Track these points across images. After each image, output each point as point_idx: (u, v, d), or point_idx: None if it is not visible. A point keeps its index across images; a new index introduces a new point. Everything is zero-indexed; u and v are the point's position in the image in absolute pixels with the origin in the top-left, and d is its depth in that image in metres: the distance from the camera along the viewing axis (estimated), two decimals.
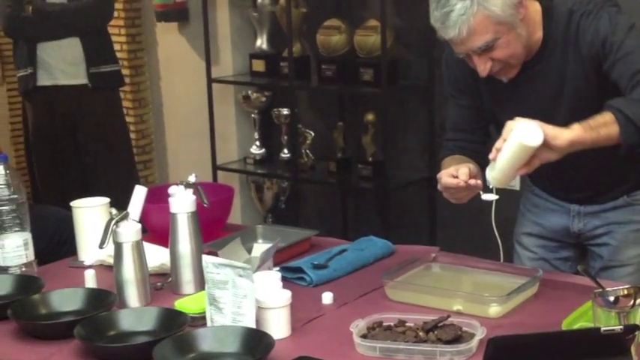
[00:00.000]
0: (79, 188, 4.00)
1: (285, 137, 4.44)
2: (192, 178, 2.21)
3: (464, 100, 2.33)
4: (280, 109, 4.40)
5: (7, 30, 4.24)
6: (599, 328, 1.60)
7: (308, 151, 4.33)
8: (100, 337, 1.89)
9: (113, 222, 2.08)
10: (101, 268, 2.35)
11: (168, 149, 5.09)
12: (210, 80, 4.45)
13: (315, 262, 2.27)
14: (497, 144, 1.98)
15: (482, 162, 2.10)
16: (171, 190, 2.20)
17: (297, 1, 4.22)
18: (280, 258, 2.29)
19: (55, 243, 2.79)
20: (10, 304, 2.03)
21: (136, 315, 1.98)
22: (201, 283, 2.06)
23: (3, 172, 2.27)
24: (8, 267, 2.29)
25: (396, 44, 4.01)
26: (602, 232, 2.33)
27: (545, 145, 1.92)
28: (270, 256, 2.14)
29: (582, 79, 2.11)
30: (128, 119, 4.78)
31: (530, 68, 2.16)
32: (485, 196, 2.12)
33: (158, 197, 2.40)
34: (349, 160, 4.25)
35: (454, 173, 2.11)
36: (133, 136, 4.82)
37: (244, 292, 1.86)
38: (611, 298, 1.77)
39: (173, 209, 2.17)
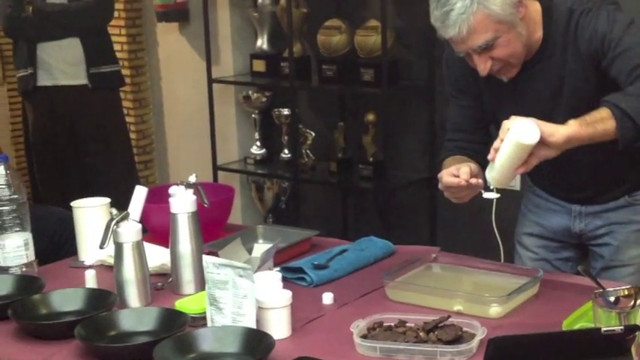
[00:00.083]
0: (79, 188, 3.99)
1: (286, 137, 4.44)
2: (192, 179, 2.21)
3: (464, 100, 2.33)
4: (281, 109, 4.40)
5: (7, 30, 4.24)
6: (599, 329, 1.60)
7: (308, 151, 4.33)
8: (100, 338, 1.89)
9: (114, 222, 2.08)
10: (101, 268, 2.35)
11: (169, 149, 5.09)
12: (210, 80, 4.45)
13: (316, 263, 2.27)
14: (495, 144, 1.98)
15: (483, 162, 2.10)
16: (172, 190, 2.20)
17: (297, 2, 4.22)
18: (281, 258, 2.29)
19: (56, 243, 2.79)
20: (11, 304, 2.03)
21: (136, 315, 1.98)
22: (201, 283, 2.06)
23: (3, 172, 2.27)
24: (9, 267, 2.29)
25: (396, 44, 4.01)
26: (604, 232, 2.33)
27: (542, 142, 1.92)
28: (270, 256, 2.14)
29: (582, 78, 2.11)
30: (129, 119, 4.78)
31: (530, 68, 2.16)
32: (487, 195, 2.12)
33: (158, 197, 2.40)
34: (350, 161, 4.25)
35: (455, 172, 2.11)
36: (133, 136, 4.83)
37: (245, 292, 1.86)
38: (612, 299, 1.77)
39: (173, 209, 2.17)
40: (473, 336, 1.80)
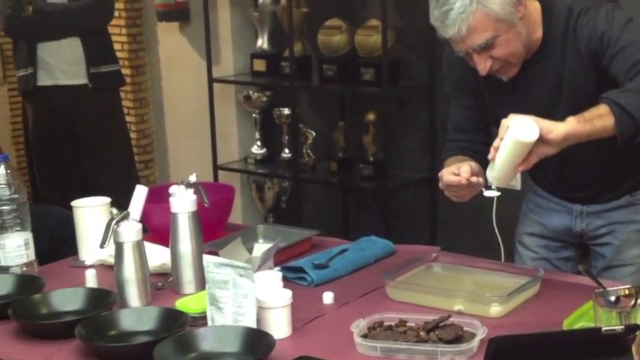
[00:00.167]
0: (80, 188, 4.00)
1: (286, 137, 4.45)
2: (193, 178, 2.21)
3: (465, 100, 2.33)
4: (281, 108, 4.40)
5: (7, 30, 4.24)
6: (600, 328, 1.59)
7: (309, 150, 4.33)
8: (100, 337, 1.89)
9: (114, 222, 2.08)
10: (102, 267, 2.35)
11: (169, 149, 5.09)
12: (211, 80, 4.45)
13: (316, 262, 2.27)
14: (495, 143, 1.98)
15: (484, 162, 2.10)
16: (172, 189, 2.20)
17: (298, 1, 4.22)
18: (281, 258, 2.29)
19: (56, 243, 2.80)
20: (11, 303, 2.03)
21: (136, 315, 1.98)
22: (202, 282, 2.06)
23: (4, 172, 2.27)
24: (9, 267, 2.29)
25: (396, 44, 4.01)
26: (605, 231, 2.32)
27: (541, 139, 1.92)
28: (270, 255, 2.14)
29: (582, 77, 2.11)
30: (129, 119, 4.78)
31: (530, 67, 2.16)
32: (487, 193, 2.12)
33: (159, 197, 2.40)
34: (350, 160, 4.25)
35: (456, 171, 2.11)
36: (133, 135, 4.83)
37: (245, 291, 1.86)
38: (612, 298, 1.77)
39: (174, 209, 2.17)
40: (473, 335, 1.79)
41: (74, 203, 2.47)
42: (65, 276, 2.34)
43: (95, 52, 4.13)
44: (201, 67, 4.54)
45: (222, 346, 1.81)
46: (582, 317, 1.86)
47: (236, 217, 4.23)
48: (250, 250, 2.32)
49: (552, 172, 2.30)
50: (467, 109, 2.34)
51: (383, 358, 1.79)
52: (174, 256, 2.18)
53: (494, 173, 2.04)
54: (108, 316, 1.97)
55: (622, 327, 1.56)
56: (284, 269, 2.18)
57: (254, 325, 1.86)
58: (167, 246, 2.22)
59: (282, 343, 1.85)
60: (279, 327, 1.89)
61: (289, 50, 4.15)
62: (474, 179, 2.09)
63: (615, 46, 2.02)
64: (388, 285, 2.10)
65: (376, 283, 2.16)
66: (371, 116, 4.10)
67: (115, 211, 2.10)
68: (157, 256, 2.29)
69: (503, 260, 2.30)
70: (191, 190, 2.19)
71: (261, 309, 1.89)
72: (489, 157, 2.01)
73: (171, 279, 2.21)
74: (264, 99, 4.52)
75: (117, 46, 4.48)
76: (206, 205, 2.24)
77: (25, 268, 2.29)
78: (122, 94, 4.46)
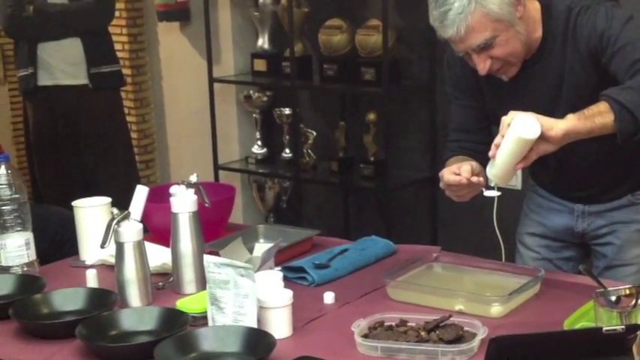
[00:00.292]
0: (80, 188, 4.00)
1: (287, 137, 4.44)
2: (193, 178, 2.21)
3: (466, 100, 2.33)
4: (282, 108, 4.40)
5: (8, 30, 4.24)
6: (600, 328, 1.59)
7: (310, 150, 4.33)
8: (101, 337, 1.89)
9: (114, 222, 2.08)
10: (103, 267, 2.35)
11: (170, 149, 5.09)
12: (211, 80, 4.45)
13: (317, 262, 2.27)
14: (496, 140, 1.98)
15: (485, 162, 2.10)
16: (173, 189, 2.20)
17: (298, 1, 4.22)
18: (282, 258, 2.29)
19: (57, 243, 2.79)
20: (12, 303, 2.03)
21: (137, 315, 1.98)
22: (202, 282, 2.06)
23: (5, 171, 2.27)
24: (10, 267, 2.29)
25: (397, 44, 4.01)
26: (606, 231, 2.32)
27: (541, 136, 1.92)
28: (271, 255, 2.14)
29: (582, 76, 2.11)
30: (130, 119, 4.78)
31: (530, 66, 2.16)
32: (488, 192, 2.12)
33: (160, 197, 2.40)
34: (351, 160, 4.25)
35: (456, 171, 2.11)
36: (134, 135, 4.83)
37: (246, 291, 1.86)
38: (613, 298, 1.77)
39: (174, 209, 2.17)
40: (474, 335, 1.79)
41: (75, 203, 2.47)
42: (66, 276, 2.34)
43: (96, 52, 4.13)
44: (202, 67, 4.54)
45: (222, 346, 1.81)
46: (583, 317, 1.86)
47: (237, 217, 4.23)
48: (251, 250, 2.32)
49: (553, 171, 2.30)
50: (468, 109, 2.34)
51: (383, 358, 1.79)
52: (175, 256, 2.18)
53: (494, 170, 2.04)
54: (109, 316, 1.98)
55: (623, 327, 1.56)
56: (285, 269, 2.18)
57: (255, 325, 1.86)
58: (168, 246, 2.22)
59: (283, 343, 1.85)
60: (279, 327, 1.90)
61: (290, 50, 4.15)
62: (474, 179, 2.09)
63: (615, 45, 2.02)
64: (389, 285, 2.10)
65: (377, 283, 2.16)
66: (371, 116, 4.10)
67: (115, 211, 2.10)
68: (158, 256, 2.29)
69: (503, 260, 2.29)
70: (192, 190, 2.19)
71: (261, 309, 1.89)
72: (490, 154, 2.02)
73: (171, 279, 2.21)
74: (265, 99, 4.52)
75: (117, 46, 4.48)
76: (207, 205, 2.24)
77: (25, 268, 2.30)
78: (123, 94, 4.46)
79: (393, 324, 1.87)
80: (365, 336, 1.83)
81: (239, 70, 4.59)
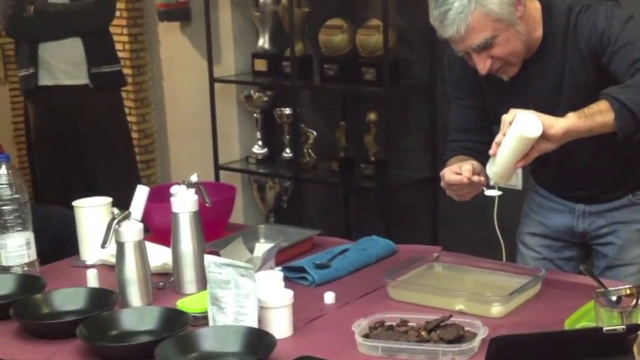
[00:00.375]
0: (81, 188, 4.00)
1: (288, 137, 4.44)
2: (194, 178, 2.21)
3: (466, 100, 2.33)
4: (282, 108, 4.40)
5: (8, 30, 4.24)
6: (601, 328, 1.59)
7: (310, 150, 4.33)
8: (102, 337, 1.89)
9: (115, 221, 2.08)
10: (103, 267, 2.35)
11: (171, 149, 5.09)
12: (212, 80, 4.45)
13: (317, 262, 2.27)
14: (497, 138, 1.98)
15: (486, 162, 2.10)
16: (174, 189, 2.20)
17: (299, 1, 4.22)
18: (282, 257, 2.29)
19: (57, 242, 2.79)
20: (13, 303, 2.03)
21: (138, 314, 1.98)
22: (203, 282, 2.06)
23: (5, 171, 2.27)
24: (10, 266, 2.29)
25: (398, 44, 4.01)
26: (607, 231, 2.32)
27: (542, 134, 1.92)
28: (272, 255, 2.14)
29: (582, 75, 2.11)
30: (130, 119, 4.78)
31: (530, 66, 2.16)
32: (489, 192, 2.12)
33: (160, 197, 2.40)
34: (351, 160, 4.25)
35: (457, 170, 2.11)
36: (135, 135, 4.83)
37: (246, 291, 1.86)
38: (614, 298, 1.77)
39: (175, 209, 2.17)
40: (474, 335, 1.79)
41: (75, 203, 2.47)
42: (66, 276, 2.34)
43: (96, 52, 4.13)
44: (203, 67, 4.54)
45: (223, 346, 1.81)
46: (584, 317, 1.86)
47: (237, 216, 4.23)
48: (251, 250, 2.32)
49: (554, 170, 2.30)
50: (468, 109, 2.34)
51: (384, 357, 1.79)
52: (176, 256, 2.18)
53: (494, 169, 2.03)
54: (109, 315, 1.98)
55: (623, 327, 1.56)
56: (285, 269, 2.18)
57: (255, 325, 1.86)
58: (168, 246, 2.22)
59: (284, 342, 1.85)
60: (280, 327, 1.90)
61: (290, 50, 4.15)
62: (475, 178, 2.09)
63: (615, 44, 2.03)
64: (389, 285, 2.10)
65: (377, 283, 2.16)
66: (372, 116, 4.10)
67: (116, 210, 2.10)
68: (158, 255, 2.29)
69: (504, 260, 2.29)
70: (192, 190, 2.19)
71: (262, 309, 1.89)
72: (490, 152, 2.01)
73: (172, 279, 2.21)
74: (266, 99, 4.52)
75: (118, 46, 4.47)
76: (207, 204, 2.24)
77: (26, 268, 2.30)
78: (123, 94, 4.46)
79: (394, 324, 1.87)
80: (365, 336, 1.83)
81: (239, 70, 4.59)
